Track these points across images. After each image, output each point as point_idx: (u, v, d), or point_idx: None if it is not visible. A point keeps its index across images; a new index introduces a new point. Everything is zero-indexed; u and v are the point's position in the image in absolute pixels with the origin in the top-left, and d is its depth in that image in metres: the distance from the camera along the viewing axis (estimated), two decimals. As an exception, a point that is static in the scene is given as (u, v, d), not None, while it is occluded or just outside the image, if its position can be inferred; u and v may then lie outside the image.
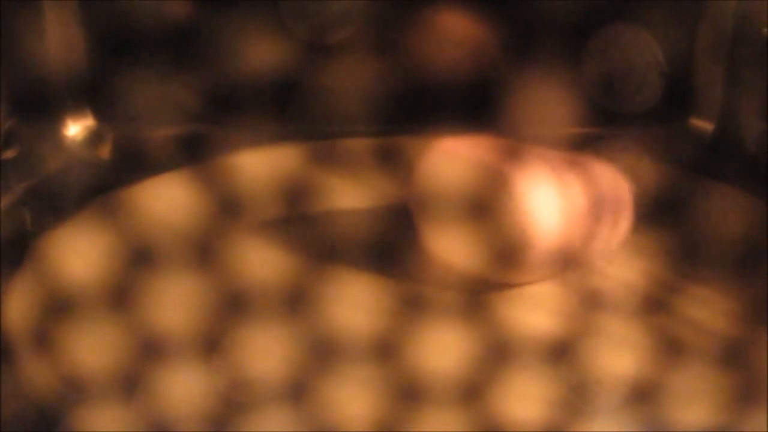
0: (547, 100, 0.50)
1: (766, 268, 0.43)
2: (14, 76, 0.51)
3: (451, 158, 0.42)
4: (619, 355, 0.37)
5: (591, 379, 0.36)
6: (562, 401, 0.35)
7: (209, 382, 0.36)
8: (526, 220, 0.40)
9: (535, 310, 0.41)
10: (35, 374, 0.35)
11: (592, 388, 0.36)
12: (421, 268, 0.43)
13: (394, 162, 0.52)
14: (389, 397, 0.35)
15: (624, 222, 0.43)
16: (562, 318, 0.40)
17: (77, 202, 0.47)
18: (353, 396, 0.35)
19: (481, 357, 0.37)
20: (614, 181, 0.43)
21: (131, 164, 0.53)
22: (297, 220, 0.48)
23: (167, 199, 0.48)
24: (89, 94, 0.54)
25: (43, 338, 0.37)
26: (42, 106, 0.53)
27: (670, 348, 0.38)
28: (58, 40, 0.52)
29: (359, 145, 0.53)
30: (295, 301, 0.40)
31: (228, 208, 0.47)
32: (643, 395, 0.35)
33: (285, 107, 0.53)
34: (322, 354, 0.37)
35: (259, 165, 0.51)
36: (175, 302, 0.40)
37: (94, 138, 0.55)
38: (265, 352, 0.37)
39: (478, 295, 0.41)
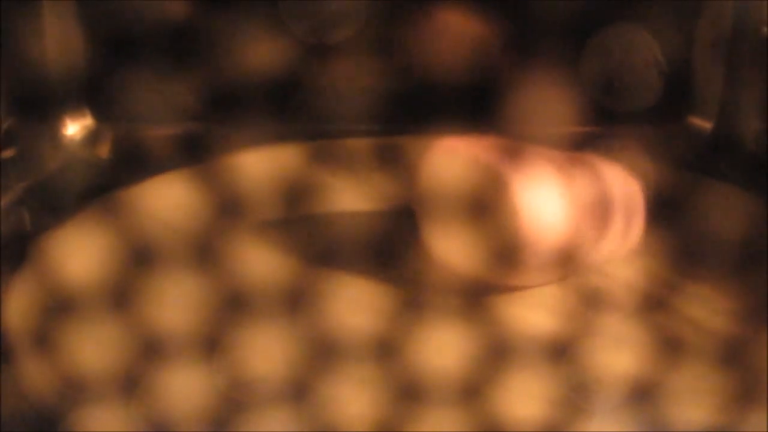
0: (548, 99, 0.50)
1: (766, 267, 0.43)
2: (13, 76, 0.51)
3: (452, 158, 0.42)
4: (618, 355, 0.37)
5: (591, 379, 0.36)
6: (563, 401, 0.35)
7: (209, 381, 0.36)
8: (527, 220, 0.40)
9: (535, 310, 0.41)
10: (35, 374, 0.35)
11: (592, 387, 0.36)
12: (422, 268, 0.43)
13: (394, 162, 0.52)
14: (389, 397, 0.35)
15: (636, 225, 0.43)
16: (562, 317, 0.40)
17: (77, 202, 0.47)
18: (353, 396, 0.35)
19: (481, 356, 0.37)
20: (624, 183, 0.43)
21: (130, 164, 0.53)
22: (297, 221, 0.47)
23: (167, 199, 0.48)
24: (88, 93, 0.54)
25: (43, 338, 0.37)
26: (41, 105, 0.53)
27: (670, 347, 0.38)
28: (57, 40, 0.52)
29: (360, 145, 0.53)
30: (296, 301, 0.40)
31: (228, 208, 0.47)
32: (643, 395, 0.35)
33: (285, 107, 0.53)
34: (323, 354, 0.37)
35: (259, 165, 0.50)
36: (175, 302, 0.40)
37: (93, 137, 0.55)
38: (265, 351, 0.37)
39: (479, 297, 0.41)
